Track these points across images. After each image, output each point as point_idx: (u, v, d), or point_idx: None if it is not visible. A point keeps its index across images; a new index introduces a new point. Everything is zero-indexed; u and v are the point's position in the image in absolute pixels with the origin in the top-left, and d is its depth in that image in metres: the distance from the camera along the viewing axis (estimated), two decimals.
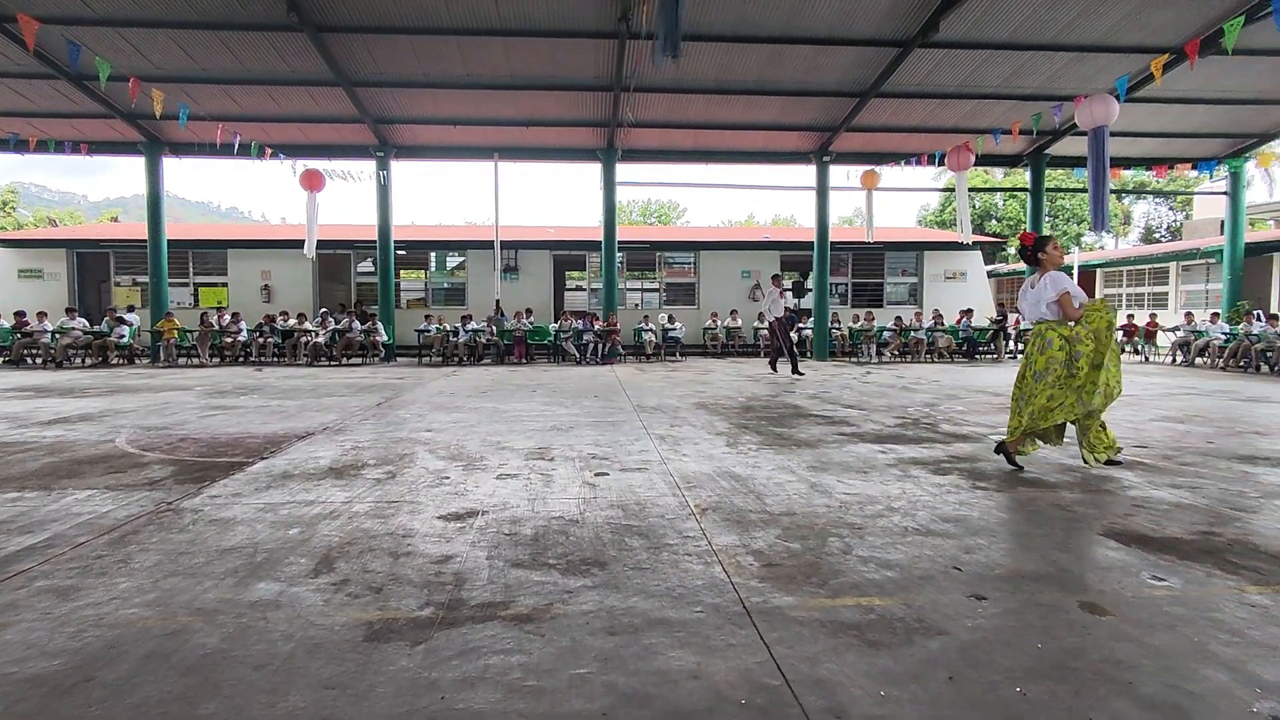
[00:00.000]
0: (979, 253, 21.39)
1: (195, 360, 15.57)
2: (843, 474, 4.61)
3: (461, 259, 20.80)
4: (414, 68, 13.26)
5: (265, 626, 2.35)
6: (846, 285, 20.84)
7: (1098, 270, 26.23)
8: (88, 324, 15.22)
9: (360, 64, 13.12)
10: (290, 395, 9.20)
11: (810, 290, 17.05)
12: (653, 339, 17.26)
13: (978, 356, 17.26)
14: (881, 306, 20.41)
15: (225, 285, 19.69)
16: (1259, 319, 14.30)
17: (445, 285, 21.02)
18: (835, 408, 7.96)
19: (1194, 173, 17.49)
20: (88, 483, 4.35)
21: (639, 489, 4.21)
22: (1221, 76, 13.52)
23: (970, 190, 16.43)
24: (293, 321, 16.29)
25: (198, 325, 15.76)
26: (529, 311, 17.46)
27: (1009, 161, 17.90)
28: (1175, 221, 38.74)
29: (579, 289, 24.25)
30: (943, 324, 17.13)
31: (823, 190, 16.96)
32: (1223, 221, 18.67)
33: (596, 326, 16.15)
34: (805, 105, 14.87)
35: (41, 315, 14.86)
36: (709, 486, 4.27)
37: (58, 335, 14.54)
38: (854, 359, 16.85)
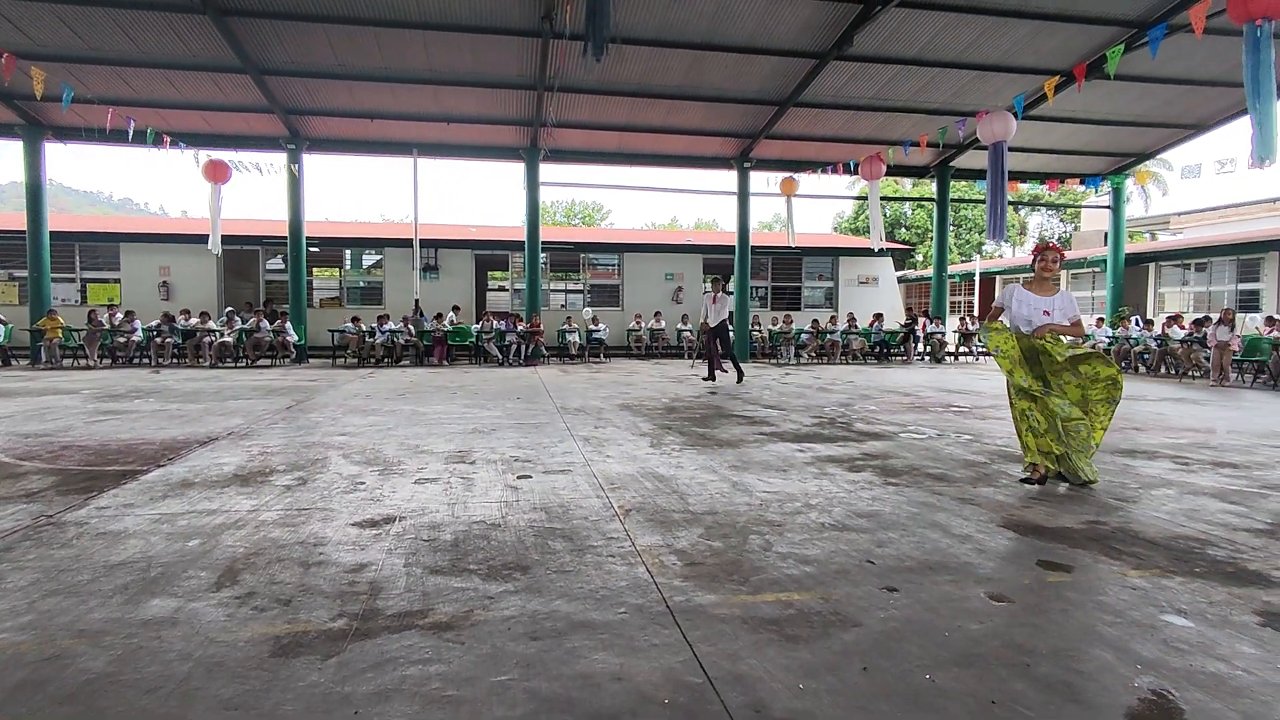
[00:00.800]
0: (890, 259, 22.36)
1: (83, 362, 14.44)
2: (763, 473, 4.71)
3: (378, 257, 20.11)
4: (328, 58, 12.73)
5: (159, 646, 2.20)
6: (766, 288, 21.36)
7: (997, 277, 27.93)
8: None
9: (270, 51, 12.49)
10: (192, 398, 8.65)
11: (732, 293, 17.37)
12: (577, 340, 17.18)
13: (889, 358, 18.03)
14: (799, 310, 21.01)
15: (118, 281, 18.36)
16: (1136, 324, 15.53)
17: (361, 284, 20.28)
18: (756, 408, 8.13)
19: (1082, 187, 18.81)
20: None
21: (562, 491, 4.17)
22: (1105, 99, 14.65)
23: (881, 199, 17.12)
24: (194, 321, 15.34)
25: (85, 324, 14.61)
26: (456, 309, 17.05)
27: (917, 172, 18.81)
28: (1066, 233, 41.57)
29: (502, 289, 23.87)
30: (856, 327, 17.81)
31: (744, 195, 17.33)
32: (1106, 234, 20.20)
33: (520, 327, 15.94)
34: (727, 112, 15.15)
35: None
36: (633, 487, 4.28)
37: None
38: (773, 360, 17.28)
